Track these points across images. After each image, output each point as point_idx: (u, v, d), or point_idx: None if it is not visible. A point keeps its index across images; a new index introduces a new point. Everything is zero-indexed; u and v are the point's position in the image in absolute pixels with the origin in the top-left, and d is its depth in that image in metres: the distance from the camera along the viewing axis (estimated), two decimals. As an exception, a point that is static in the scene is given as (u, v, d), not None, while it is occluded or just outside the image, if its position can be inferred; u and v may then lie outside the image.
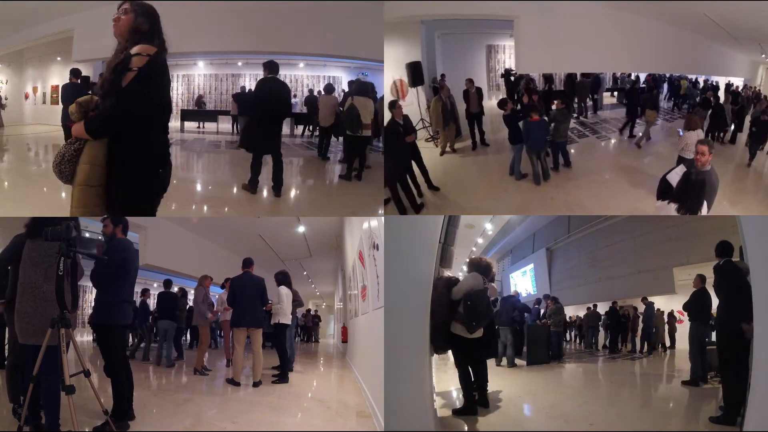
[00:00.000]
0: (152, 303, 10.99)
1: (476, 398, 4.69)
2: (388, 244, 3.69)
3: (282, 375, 6.54)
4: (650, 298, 10.40)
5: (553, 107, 7.63)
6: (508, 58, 12.48)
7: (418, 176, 6.62)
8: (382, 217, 4.26)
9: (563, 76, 11.77)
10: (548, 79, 12.02)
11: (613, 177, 7.32)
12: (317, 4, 7.81)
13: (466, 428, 4.28)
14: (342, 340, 11.96)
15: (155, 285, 15.25)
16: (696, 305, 5.93)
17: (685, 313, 6.30)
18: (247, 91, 13.52)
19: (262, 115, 6.34)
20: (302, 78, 15.23)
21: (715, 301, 4.45)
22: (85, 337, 13.74)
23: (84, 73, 8.11)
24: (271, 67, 6.44)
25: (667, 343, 10.82)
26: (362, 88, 7.84)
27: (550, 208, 6.78)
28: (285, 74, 15.21)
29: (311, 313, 20.00)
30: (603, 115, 11.11)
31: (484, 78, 12.15)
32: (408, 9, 7.47)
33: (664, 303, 10.48)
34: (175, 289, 9.30)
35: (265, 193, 7.55)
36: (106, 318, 3.80)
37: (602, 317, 11.63)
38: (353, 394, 5.79)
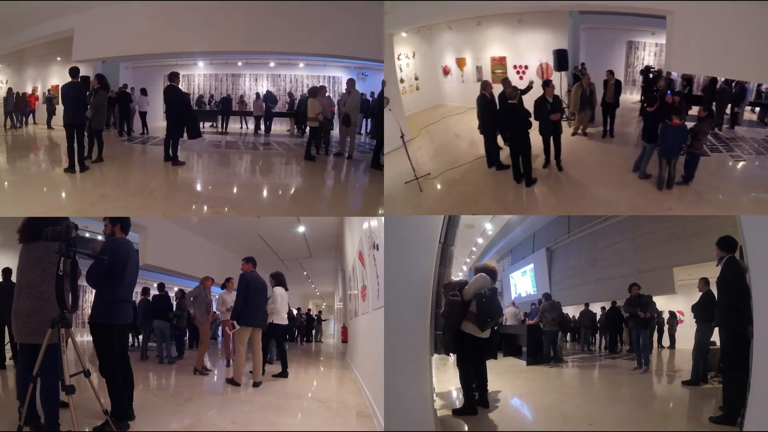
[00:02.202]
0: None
1: (476, 398, 4.70)
2: (388, 244, 3.69)
3: (282, 371, 6.66)
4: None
5: (693, 113, 7.07)
6: (647, 56, 12.40)
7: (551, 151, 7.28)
8: (382, 218, 4.26)
9: (703, 79, 10.54)
10: (688, 80, 11.12)
11: (738, 202, 6.49)
12: (317, 4, 7.80)
13: (466, 428, 4.28)
14: (342, 340, 11.96)
15: (155, 285, 15.26)
16: (704, 307, 5.91)
17: (684, 313, 6.29)
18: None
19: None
20: (302, 78, 15.22)
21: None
22: (85, 337, 13.72)
23: (84, 73, 8.09)
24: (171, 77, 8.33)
25: (667, 344, 10.84)
26: (312, 91, 9.89)
27: (664, 216, 6.52)
28: (285, 74, 15.25)
29: (311, 313, 20.00)
30: (739, 132, 9.64)
31: (622, 72, 12.17)
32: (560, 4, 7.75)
33: (664, 303, 10.48)
34: (175, 290, 9.44)
35: (265, 192, 7.57)
36: (103, 317, 3.79)
37: (601, 317, 11.63)
38: (353, 394, 5.79)
